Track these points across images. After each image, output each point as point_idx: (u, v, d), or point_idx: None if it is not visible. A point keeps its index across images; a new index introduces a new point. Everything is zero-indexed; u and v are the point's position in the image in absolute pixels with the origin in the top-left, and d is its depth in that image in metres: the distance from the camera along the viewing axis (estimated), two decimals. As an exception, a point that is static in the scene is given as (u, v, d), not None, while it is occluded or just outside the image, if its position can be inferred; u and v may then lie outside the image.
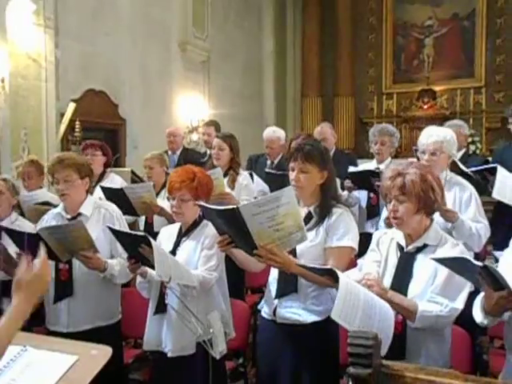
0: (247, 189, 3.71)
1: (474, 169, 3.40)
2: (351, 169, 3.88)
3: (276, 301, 2.26)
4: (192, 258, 2.43)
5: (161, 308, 2.41)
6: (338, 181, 3.60)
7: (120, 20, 6.52)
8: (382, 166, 3.93)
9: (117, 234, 2.38)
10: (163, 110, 7.23)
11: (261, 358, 2.40)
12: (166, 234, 2.60)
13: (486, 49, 9.64)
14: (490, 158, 4.78)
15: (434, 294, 1.91)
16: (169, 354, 2.37)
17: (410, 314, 1.89)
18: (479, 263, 1.63)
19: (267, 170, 4.53)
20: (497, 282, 1.62)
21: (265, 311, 2.34)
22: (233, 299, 2.79)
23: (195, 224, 2.50)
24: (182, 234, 2.51)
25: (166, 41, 7.41)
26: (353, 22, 10.20)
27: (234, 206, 1.95)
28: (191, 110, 7.70)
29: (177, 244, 2.50)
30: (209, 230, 2.44)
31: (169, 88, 7.41)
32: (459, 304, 1.89)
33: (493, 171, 3.27)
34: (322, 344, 2.21)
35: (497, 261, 2.28)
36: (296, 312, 2.21)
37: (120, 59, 6.51)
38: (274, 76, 10.12)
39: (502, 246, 2.20)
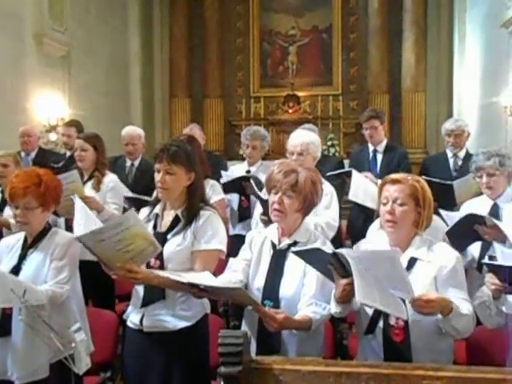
0: (113, 191, 3.51)
1: (333, 173, 3.64)
2: (224, 178, 3.85)
3: (143, 309, 2.17)
4: (41, 271, 2.22)
5: (4, 331, 2.17)
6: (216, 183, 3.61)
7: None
8: (253, 169, 4.04)
9: None
10: (15, 107, 6.57)
11: (128, 369, 2.29)
12: (7, 247, 2.32)
13: (341, 60, 10.36)
14: (347, 161, 5.09)
15: (314, 298, 2.02)
16: (16, 383, 2.13)
17: (307, 327, 1.98)
18: (329, 251, 1.79)
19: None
20: (345, 269, 1.75)
21: (131, 321, 2.24)
22: (98, 309, 2.73)
23: (44, 233, 2.28)
24: (28, 246, 2.27)
25: (17, 32, 6.71)
26: (221, 25, 10.30)
27: (74, 236, 1.92)
28: (49, 107, 7.14)
29: (22, 257, 2.25)
30: (59, 238, 2.26)
31: (22, 83, 6.77)
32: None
33: (349, 174, 3.54)
34: (193, 349, 2.17)
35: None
36: (164, 319, 2.14)
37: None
38: (141, 75, 9.84)
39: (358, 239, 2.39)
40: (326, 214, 2.96)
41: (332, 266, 1.81)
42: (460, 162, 4.01)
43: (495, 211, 2.77)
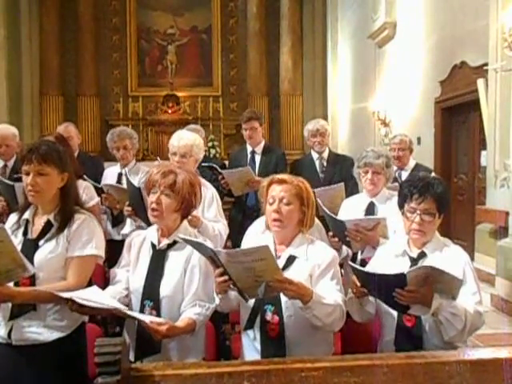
0: None
1: (205, 164, 3.78)
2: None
3: (11, 322, 2.02)
4: None
5: None
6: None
7: None
8: (125, 170, 3.91)
9: None
10: None
11: (-5, 387, 2.11)
12: None
13: (221, 62, 10.51)
14: (226, 162, 5.17)
15: (197, 296, 2.06)
16: None
17: (191, 330, 2.00)
18: (210, 245, 1.85)
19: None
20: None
21: (-3, 334, 2.08)
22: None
23: None
24: None
25: None
26: (96, 20, 9.93)
27: None
28: None
29: None
30: None
31: None
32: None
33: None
34: (68, 361, 2.06)
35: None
36: (35, 331, 2.02)
37: None
38: (7, 70, 9.09)
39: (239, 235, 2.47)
40: (224, 223, 3.02)
41: (210, 259, 1.87)
42: (325, 163, 4.24)
43: (371, 209, 2.97)
